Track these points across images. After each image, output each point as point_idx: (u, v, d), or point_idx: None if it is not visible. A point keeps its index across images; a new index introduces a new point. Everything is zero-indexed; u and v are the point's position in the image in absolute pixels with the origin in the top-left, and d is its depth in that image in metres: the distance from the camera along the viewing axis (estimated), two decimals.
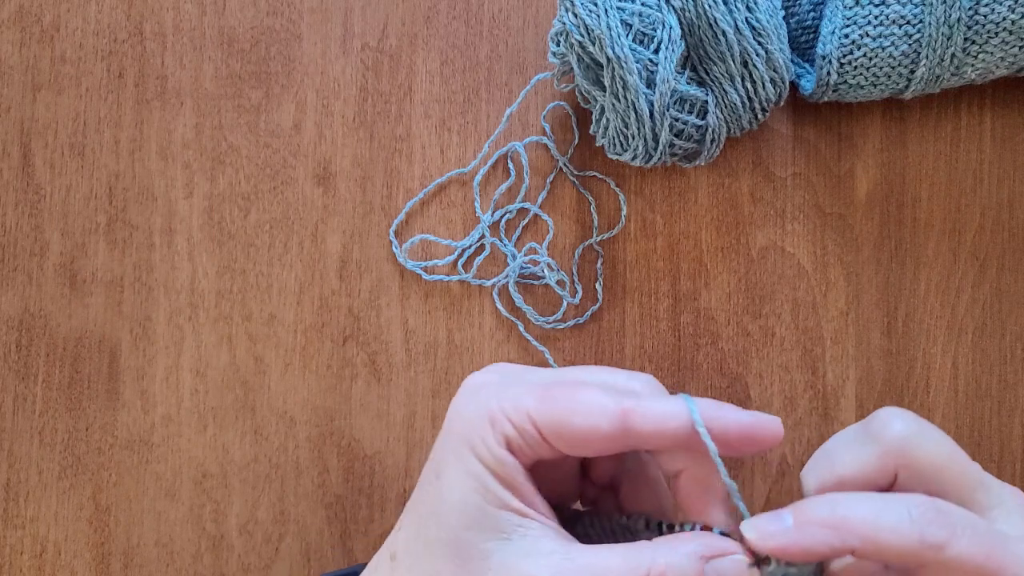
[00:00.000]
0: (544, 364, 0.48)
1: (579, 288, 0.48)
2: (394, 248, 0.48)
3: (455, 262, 0.49)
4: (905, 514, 0.27)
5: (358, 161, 0.49)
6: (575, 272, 0.48)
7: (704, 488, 0.30)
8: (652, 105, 0.42)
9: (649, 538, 0.29)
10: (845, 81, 0.44)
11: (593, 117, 0.45)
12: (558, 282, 0.48)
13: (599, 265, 0.48)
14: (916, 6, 0.42)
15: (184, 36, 0.49)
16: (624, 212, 0.48)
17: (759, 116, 0.44)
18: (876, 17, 0.42)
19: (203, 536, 0.48)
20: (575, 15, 0.41)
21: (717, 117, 0.43)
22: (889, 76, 0.44)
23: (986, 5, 0.42)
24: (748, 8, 0.41)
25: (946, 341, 0.48)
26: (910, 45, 0.43)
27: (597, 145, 0.46)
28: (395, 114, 0.49)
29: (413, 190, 0.49)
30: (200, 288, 0.49)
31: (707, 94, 0.43)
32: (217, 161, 0.49)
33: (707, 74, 0.43)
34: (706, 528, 0.29)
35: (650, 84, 0.41)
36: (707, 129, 0.43)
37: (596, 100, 0.44)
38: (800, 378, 0.48)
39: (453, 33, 0.49)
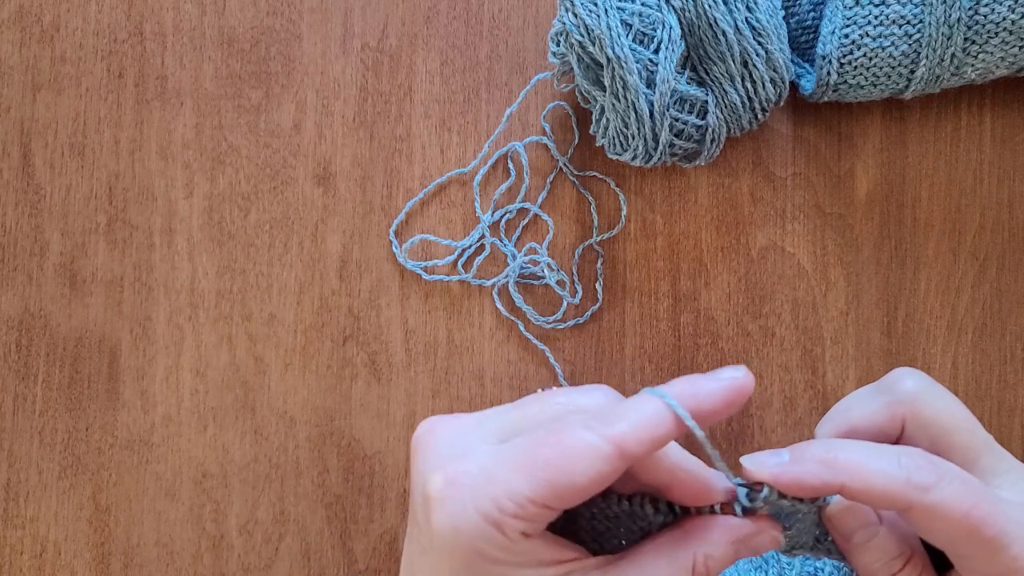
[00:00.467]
0: (546, 364, 0.48)
1: (579, 288, 0.48)
2: (394, 248, 0.48)
3: (455, 262, 0.49)
4: (895, 459, 0.28)
5: (358, 161, 0.49)
6: (575, 272, 0.48)
7: (701, 482, 0.30)
8: (652, 105, 0.42)
9: (660, 522, 0.30)
10: (845, 81, 0.44)
11: (593, 117, 0.45)
12: (558, 282, 0.48)
13: (599, 265, 0.48)
14: (916, 6, 0.42)
15: (184, 36, 0.49)
16: (624, 212, 0.48)
17: (759, 116, 0.44)
18: (876, 17, 0.42)
19: (203, 536, 0.48)
20: (575, 15, 0.41)
21: (717, 117, 0.43)
22: (889, 76, 0.44)
23: (986, 5, 0.42)
24: (748, 8, 0.41)
25: (946, 341, 0.48)
26: (910, 45, 0.43)
27: (597, 145, 0.46)
28: (395, 114, 0.49)
29: (413, 190, 0.49)
30: (200, 288, 0.49)
31: (707, 94, 0.43)
32: (217, 161, 0.49)
33: (707, 74, 0.43)
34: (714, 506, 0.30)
35: (650, 84, 0.41)
36: (707, 129, 0.43)
37: (596, 100, 0.44)
38: (800, 378, 0.48)
39: (453, 33, 0.49)
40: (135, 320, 0.49)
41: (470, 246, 0.48)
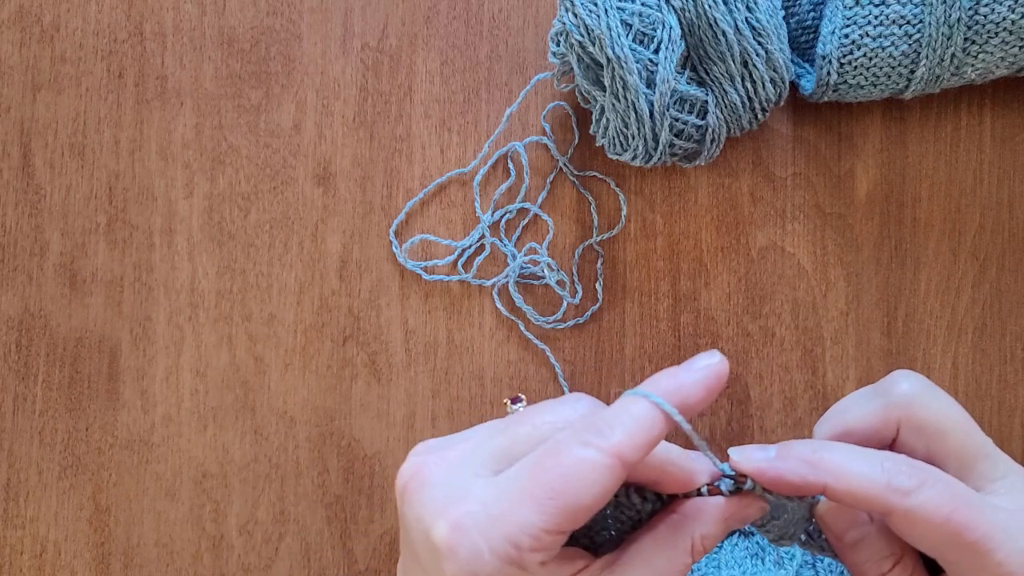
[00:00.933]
0: (546, 364, 0.48)
1: (579, 288, 0.48)
2: (394, 248, 0.48)
3: (455, 262, 0.49)
4: (878, 463, 0.28)
5: (358, 161, 0.49)
6: (575, 272, 0.48)
7: (688, 473, 0.30)
8: (652, 105, 0.42)
9: (648, 510, 0.30)
10: (845, 81, 0.44)
11: (593, 117, 0.45)
12: (558, 282, 0.48)
13: (599, 265, 0.48)
14: (916, 6, 0.42)
15: (184, 36, 0.49)
16: (624, 212, 0.48)
17: (759, 116, 0.44)
18: (876, 17, 0.42)
19: (203, 536, 0.48)
20: (575, 15, 0.41)
21: (717, 117, 0.43)
22: (889, 76, 0.44)
23: (986, 5, 0.42)
24: (748, 8, 0.41)
25: (946, 341, 0.48)
26: (910, 45, 0.43)
27: (597, 145, 0.46)
28: (395, 114, 0.49)
29: (413, 190, 0.49)
30: (200, 288, 0.49)
31: (707, 94, 0.43)
32: (217, 161, 0.49)
33: (707, 74, 0.43)
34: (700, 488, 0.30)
35: (650, 84, 0.41)
36: (707, 129, 0.43)
37: (596, 100, 0.44)
38: (800, 378, 0.48)
39: (453, 33, 0.49)
40: (135, 320, 0.49)
41: (470, 246, 0.48)
